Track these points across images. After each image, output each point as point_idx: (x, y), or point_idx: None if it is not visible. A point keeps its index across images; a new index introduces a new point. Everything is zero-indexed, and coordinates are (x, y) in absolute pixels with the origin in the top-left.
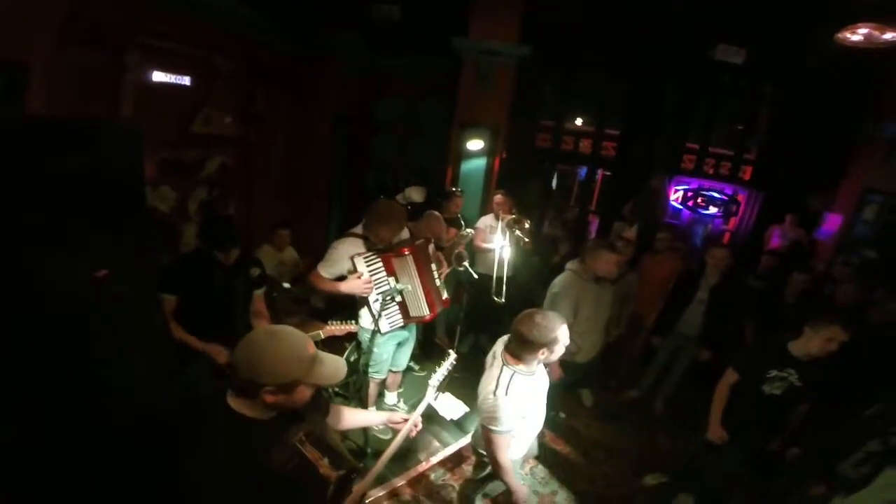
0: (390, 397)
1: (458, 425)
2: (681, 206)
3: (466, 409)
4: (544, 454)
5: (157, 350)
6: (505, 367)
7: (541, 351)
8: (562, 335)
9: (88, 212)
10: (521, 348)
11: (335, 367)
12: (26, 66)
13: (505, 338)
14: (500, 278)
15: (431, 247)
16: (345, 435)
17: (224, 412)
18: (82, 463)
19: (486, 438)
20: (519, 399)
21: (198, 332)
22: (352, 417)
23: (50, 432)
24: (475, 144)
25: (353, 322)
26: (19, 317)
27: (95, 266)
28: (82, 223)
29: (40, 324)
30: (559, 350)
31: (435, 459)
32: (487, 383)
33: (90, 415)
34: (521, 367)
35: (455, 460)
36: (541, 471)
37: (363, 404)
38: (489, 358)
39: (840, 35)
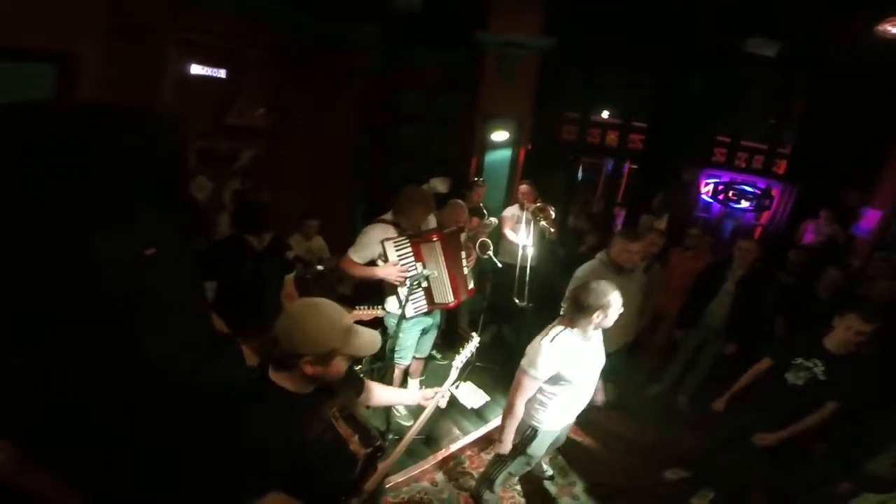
0: (413, 384)
1: (479, 414)
2: (711, 200)
3: (487, 398)
4: (564, 445)
5: (198, 332)
6: (558, 325)
7: (595, 314)
8: (614, 301)
9: (135, 194)
10: (576, 314)
11: (370, 338)
12: (75, 56)
13: None
14: (522, 277)
15: (463, 236)
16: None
17: (266, 386)
18: (119, 436)
19: (516, 381)
20: (564, 354)
21: (229, 316)
22: (383, 394)
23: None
24: (499, 136)
25: (380, 307)
26: (69, 294)
27: (143, 245)
28: (129, 204)
29: (90, 300)
30: (612, 315)
31: (455, 447)
32: (541, 336)
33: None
34: (576, 329)
35: (475, 448)
36: (560, 461)
37: None
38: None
39: (881, 27)
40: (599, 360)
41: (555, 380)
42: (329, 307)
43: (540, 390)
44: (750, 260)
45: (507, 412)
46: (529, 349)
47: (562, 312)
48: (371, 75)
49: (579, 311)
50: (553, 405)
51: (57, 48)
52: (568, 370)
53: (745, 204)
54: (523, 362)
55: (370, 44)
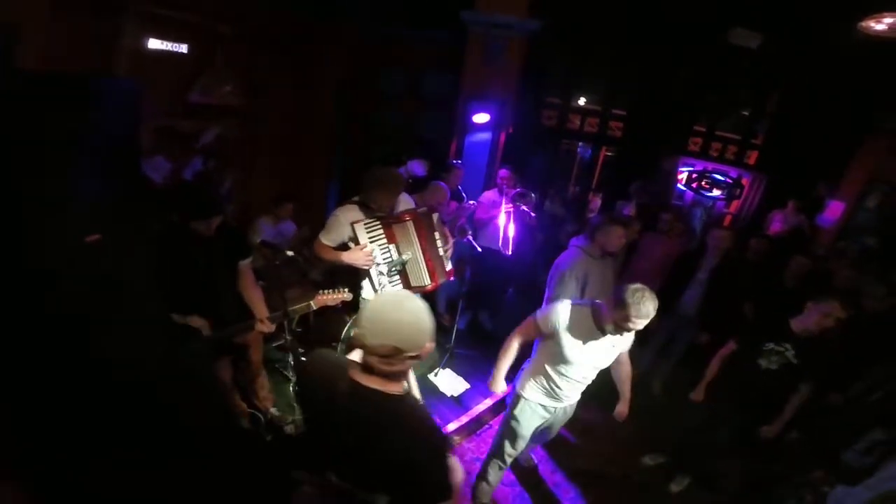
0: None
1: (459, 401)
2: (685, 188)
3: (467, 385)
4: None
5: (152, 320)
6: (587, 301)
7: (619, 317)
8: (639, 324)
9: (83, 172)
10: (610, 307)
11: None
12: (17, 27)
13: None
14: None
15: (436, 216)
16: None
17: (403, 401)
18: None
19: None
20: (575, 325)
21: (181, 306)
22: None
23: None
24: (481, 118)
25: (346, 290)
26: (12, 273)
27: (89, 229)
28: (77, 182)
29: (33, 283)
30: (625, 333)
31: None
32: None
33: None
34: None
35: (456, 437)
36: (540, 449)
37: None
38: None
39: (864, 24)
40: (602, 363)
41: (553, 354)
42: (415, 299)
43: (536, 360)
44: (723, 249)
45: (502, 352)
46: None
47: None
48: (351, 53)
49: (616, 306)
50: (541, 379)
51: None
52: (571, 348)
53: (716, 192)
54: (539, 310)
55: (351, 20)
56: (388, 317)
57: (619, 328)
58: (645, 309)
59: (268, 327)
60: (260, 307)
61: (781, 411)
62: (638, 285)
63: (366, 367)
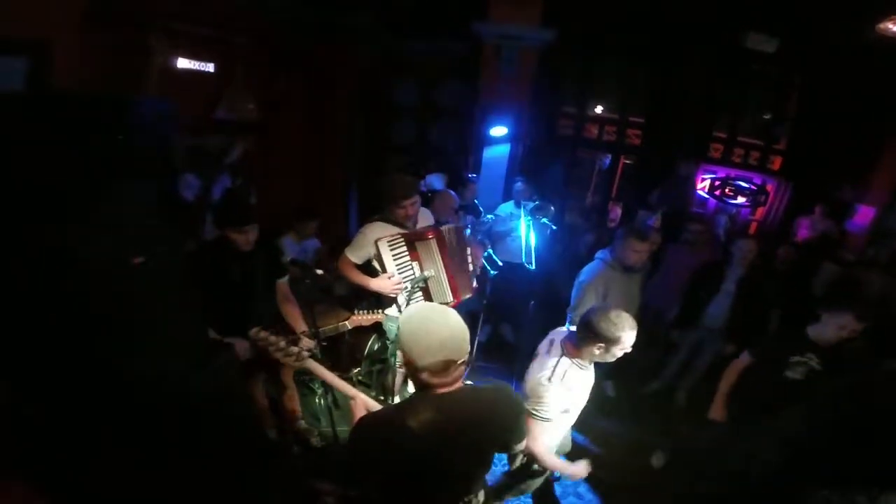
0: (412, 388)
1: None
2: (707, 195)
3: None
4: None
5: (188, 339)
6: (563, 357)
7: (598, 346)
8: (626, 340)
9: (121, 192)
10: (585, 339)
11: None
12: (48, 45)
13: (563, 328)
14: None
15: (467, 232)
16: None
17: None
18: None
19: (529, 432)
20: (569, 390)
21: (219, 324)
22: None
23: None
24: (497, 130)
25: (380, 311)
26: (51, 297)
27: (129, 249)
28: (114, 204)
29: (72, 304)
30: (615, 353)
31: None
32: (541, 369)
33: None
34: (577, 359)
35: None
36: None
37: (384, 392)
38: (544, 345)
39: (882, 25)
40: (591, 383)
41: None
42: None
43: None
44: (750, 259)
45: (539, 459)
46: (533, 389)
47: (566, 336)
48: (366, 67)
49: (588, 337)
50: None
51: (28, 37)
52: (571, 403)
53: (740, 200)
54: (529, 405)
55: (366, 34)
56: (429, 336)
57: (615, 355)
58: (620, 323)
59: (310, 342)
60: (299, 324)
61: None
62: (602, 315)
63: (423, 387)
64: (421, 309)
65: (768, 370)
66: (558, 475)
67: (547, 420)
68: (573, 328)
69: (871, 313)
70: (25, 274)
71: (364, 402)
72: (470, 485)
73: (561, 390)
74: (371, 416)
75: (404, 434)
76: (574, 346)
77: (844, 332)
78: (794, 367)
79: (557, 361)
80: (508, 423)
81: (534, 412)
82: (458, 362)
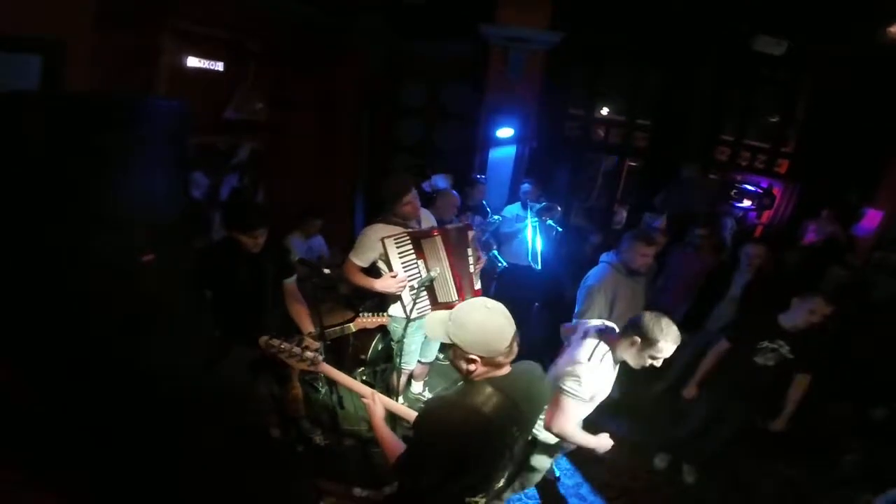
0: (416, 387)
1: None
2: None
3: None
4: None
5: (196, 338)
6: (602, 343)
7: (634, 340)
8: (664, 348)
9: (133, 191)
10: (626, 330)
11: None
12: (63, 44)
13: (597, 320)
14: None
15: (472, 233)
16: None
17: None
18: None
19: (558, 406)
20: (601, 377)
21: (227, 324)
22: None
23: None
24: (504, 132)
25: (385, 314)
26: (63, 293)
27: (140, 247)
28: (126, 202)
29: (83, 301)
30: (646, 357)
31: None
32: (579, 351)
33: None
34: (615, 352)
35: None
36: (566, 463)
37: (388, 392)
38: (578, 333)
39: (891, 29)
40: (613, 380)
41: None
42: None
43: None
44: (757, 265)
45: (571, 437)
46: (571, 369)
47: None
48: (375, 68)
49: (631, 329)
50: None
51: (44, 36)
52: (598, 389)
53: (747, 203)
54: (566, 384)
55: (374, 36)
56: (493, 327)
57: (645, 360)
58: (670, 334)
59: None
60: (307, 324)
61: (783, 405)
62: (655, 315)
63: (494, 367)
64: (464, 313)
65: (739, 355)
66: (559, 475)
67: (581, 399)
68: (608, 323)
69: (836, 298)
70: (30, 269)
71: (381, 401)
72: (513, 461)
73: (598, 372)
74: (436, 407)
75: (478, 417)
76: (612, 337)
77: (815, 318)
78: (765, 354)
79: (597, 345)
80: (546, 394)
81: (569, 390)
82: (516, 336)
